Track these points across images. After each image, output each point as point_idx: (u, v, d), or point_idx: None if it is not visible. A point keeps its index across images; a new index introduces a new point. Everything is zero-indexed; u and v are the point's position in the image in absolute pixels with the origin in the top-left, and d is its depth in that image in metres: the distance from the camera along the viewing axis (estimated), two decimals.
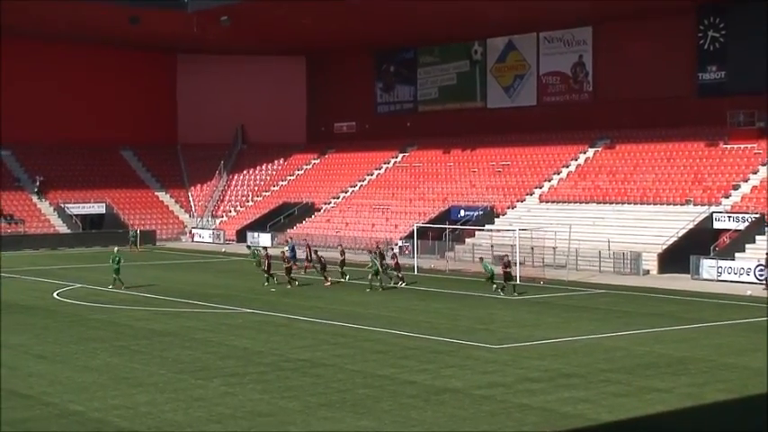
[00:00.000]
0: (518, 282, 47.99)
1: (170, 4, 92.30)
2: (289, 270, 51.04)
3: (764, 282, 48.18)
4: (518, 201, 70.64)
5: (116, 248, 56.00)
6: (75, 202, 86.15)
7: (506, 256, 48.94)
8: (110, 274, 50.96)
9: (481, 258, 52.56)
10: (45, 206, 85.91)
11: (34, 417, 23.69)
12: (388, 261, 51.94)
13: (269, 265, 51.19)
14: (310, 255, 56.59)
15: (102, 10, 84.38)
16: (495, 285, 46.46)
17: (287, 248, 56.36)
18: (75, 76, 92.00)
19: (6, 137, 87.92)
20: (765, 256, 49.52)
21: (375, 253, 52.37)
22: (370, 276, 49.62)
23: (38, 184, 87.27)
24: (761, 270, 49.01)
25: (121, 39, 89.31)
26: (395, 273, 50.84)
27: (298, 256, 56.22)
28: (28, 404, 25.02)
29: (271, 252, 56.15)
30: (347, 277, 52.99)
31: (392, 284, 50.00)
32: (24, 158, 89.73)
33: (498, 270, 46.93)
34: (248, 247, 67.19)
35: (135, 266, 60.83)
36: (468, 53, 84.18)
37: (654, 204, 62.68)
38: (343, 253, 55.56)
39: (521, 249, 54.57)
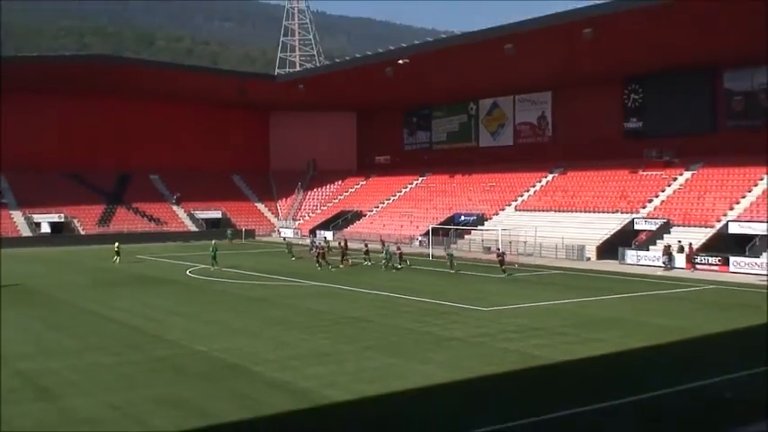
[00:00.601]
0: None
1: (265, 78, 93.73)
2: (323, 255, 50.98)
3: (663, 265, 48.50)
4: (500, 209, 70.42)
5: (213, 241, 56.41)
6: (200, 210, 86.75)
7: (500, 249, 48.85)
8: (220, 259, 51.23)
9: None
10: (181, 212, 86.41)
11: (173, 355, 23.98)
12: (394, 251, 51.54)
13: (323, 253, 51.23)
14: (346, 246, 55.68)
15: (221, 83, 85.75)
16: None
17: (317, 240, 56.68)
18: (203, 125, 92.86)
19: (156, 165, 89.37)
20: (662, 248, 49.89)
21: (386, 246, 53.06)
22: (383, 261, 49.89)
23: (176, 197, 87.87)
24: (663, 258, 49.28)
25: (234, 101, 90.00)
26: (398, 259, 50.48)
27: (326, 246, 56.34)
28: (168, 346, 25.35)
29: (329, 243, 56.54)
30: (369, 262, 52.40)
31: (399, 267, 49.57)
32: (167, 180, 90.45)
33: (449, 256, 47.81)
34: (285, 240, 65.46)
35: (236, 254, 61.03)
36: (467, 109, 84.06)
37: (593, 212, 62.44)
38: (366, 245, 55.46)
39: (502, 243, 54.56)
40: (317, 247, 54.18)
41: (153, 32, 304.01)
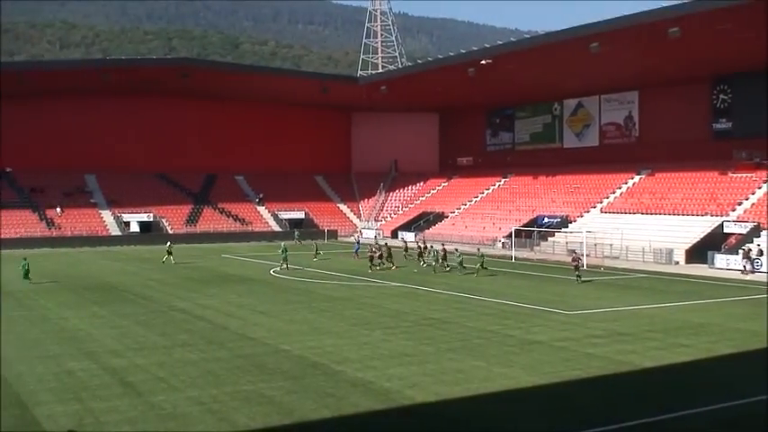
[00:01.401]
0: (585, 268, 47.21)
1: (347, 80, 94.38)
2: (372, 258, 50.60)
3: (742, 269, 47.56)
4: (585, 212, 69.39)
5: (283, 243, 57.01)
6: (284, 210, 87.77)
7: (575, 252, 47.75)
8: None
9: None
10: (264, 212, 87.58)
11: (256, 353, 24.26)
12: (437, 248, 51.13)
13: (372, 256, 51.03)
14: (425, 247, 55.11)
15: (304, 85, 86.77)
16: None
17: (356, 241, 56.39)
18: (287, 127, 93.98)
19: (241, 166, 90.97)
20: (742, 251, 48.52)
21: (436, 249, 52.14)
22: (434, 263, 49.34)
23: (259, 197, 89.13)
24: (745, 260, 47.96)
25: (316, 102, 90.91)
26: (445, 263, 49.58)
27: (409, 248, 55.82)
28: (253, 344, 25.67)
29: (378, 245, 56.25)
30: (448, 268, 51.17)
31: (447, 270, 48.72)
32: (251, 181, 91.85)
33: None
34: (358, 241, 64.58)
35: (311, 254, 61.33)
36: (551, 110, 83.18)
37: (682, 215, 60.99)
38: (444, 249, 53.94)
39: (587, 246, 53.76)
40: (370, 249, 53.57)
41: (238, 36, 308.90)
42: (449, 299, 36.49)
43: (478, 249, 50.56)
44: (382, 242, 62.85)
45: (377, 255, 51.19)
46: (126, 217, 79.92)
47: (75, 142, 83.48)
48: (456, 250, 50.29)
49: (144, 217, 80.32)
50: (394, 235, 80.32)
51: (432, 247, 53.99)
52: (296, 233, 77.49)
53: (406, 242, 58.03)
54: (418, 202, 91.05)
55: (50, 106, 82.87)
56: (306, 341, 26.01)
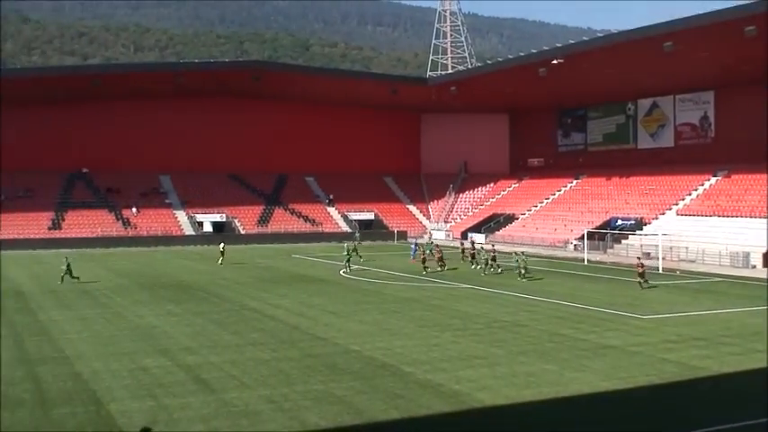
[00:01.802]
0: (660, 271, 46.37)
1: (417, 81, 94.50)
2: (425, 260, 50.09)
3: None
4: (660, 214, 68.17)
5: (345, 243, 57.22)
6: (353, 211, 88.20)
7: (640, 258, 46.19)
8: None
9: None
10: (334, 213, 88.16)
11: (327, 353, 24.42)
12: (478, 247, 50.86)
13: (436, 258, 50.88)
14: (472, 249, 54.43)
15: (374, 87, 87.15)
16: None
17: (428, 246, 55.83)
18: (356, 128, 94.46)
19: (311, 167, 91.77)
20: None
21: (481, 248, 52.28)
22: (483, 265, 48.92)
23: (329, 198, 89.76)
24: None
25: (386, 104, 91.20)
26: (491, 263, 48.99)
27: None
28: (323, 344, 25.82)
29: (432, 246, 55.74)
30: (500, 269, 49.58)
31: (499, 272, 48.11)
32: (322, 182, 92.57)
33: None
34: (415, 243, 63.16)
35: (390, 255, 61.44)
36: (624, 110, 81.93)
37: (759, 218, 59.46)
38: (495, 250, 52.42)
39: (662, 249, 52.81)
40: (422, 250, 53.10)
41: (308, 38, 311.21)
42: (519, 301, 36.19)
43: (521, 252, 49.77)
44: (423, 241, 62.18)
45: (437, 256, 51.13)
46: (199, 217, 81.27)
47: (149, 144, 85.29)
48: (522, 253, 48.94)
49: (217, 217, 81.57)
50: (464, 236, 79.99)
51: (482, 248, 53.44)
52: (356, 234, 77.68)
53: (462, 244, 57.62)
54: (488, 203, 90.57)
55: (126, 108, 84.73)
56: (375, 342, 26.08)
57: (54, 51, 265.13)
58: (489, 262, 48.71)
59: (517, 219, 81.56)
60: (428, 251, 52.16)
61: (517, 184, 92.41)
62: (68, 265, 43.99)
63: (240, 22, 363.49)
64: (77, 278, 43.84)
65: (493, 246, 55.98)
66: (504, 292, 39.53)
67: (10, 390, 19.98)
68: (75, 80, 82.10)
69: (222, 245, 57.87)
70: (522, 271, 45.04)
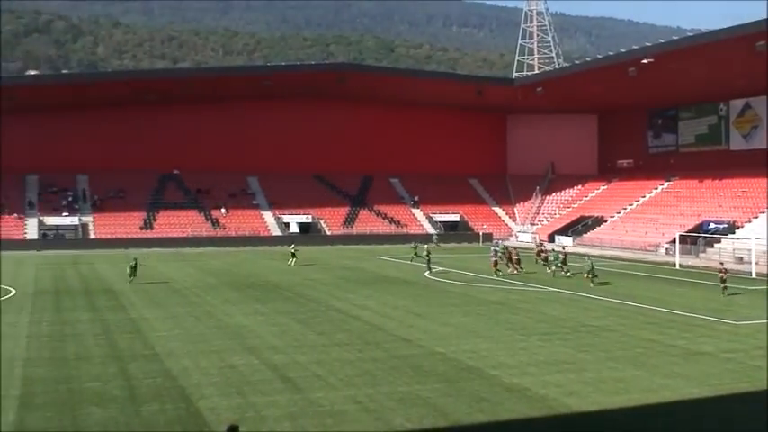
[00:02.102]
0: (753, 276, 45.01)
1: (503, 81, 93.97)
2: (497, 263, 49.28)
3: None
4: (754, 217, 66.20)
5: (426, 246, 57.10)
6: (438, 212, 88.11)
7: (723, 263, 43.80)
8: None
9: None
10: (419, 214, 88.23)
11: (412, 354, 24.43)
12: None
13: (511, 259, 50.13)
14: (545, 252, 53.39)
15: (459, 88, 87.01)
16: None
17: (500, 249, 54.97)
18: (441, 129, 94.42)
19: (396, 169, 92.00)
20: None
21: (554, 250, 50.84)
22: (554, 268, 48.10)
23: (414, 200, 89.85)
24: None
25: (471, 105, 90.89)
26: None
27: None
28: (408, 346, 25.87)
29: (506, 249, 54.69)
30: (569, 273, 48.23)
31: (568, 275, 46.99)
32: (406, 183, 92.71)
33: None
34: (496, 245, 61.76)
35: (477, 257, 61.11)
36: (716, 110, 79.80)
37: None
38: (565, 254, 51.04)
39: (755, 253, 51.26)
40: (494, 253, 52.23)
41: (393, 39, 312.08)
42: (608, 306, 35.56)
43: (588, 257, 48.53)
44: (497, 245, 61.14)
45: (514, 257, 50.57)
46: (286, 218, 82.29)
47: (238, 146, 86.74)
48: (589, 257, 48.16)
49: (303, 218, 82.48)
50: (551, 239, 79.06)
51: (553, 250, 52.48)
52: (434, 236, 77.39)
53: (536, 245, 56.86)
54: (576, 205, 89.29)
55: (215, 111, 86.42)
56: (461, 344, 25.98)
57: (144, 55, 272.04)
58: (559, 264, 48.06)
59: (605, 221, 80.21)
60: (500, 254, 51.50)
61: (606, 186, 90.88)
62: (134, 265, 44.37)
63: (326, 24, 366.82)
64: (133, 277, 43.80)
65: (563, 248, 55.17)
66: (593, 296, 38.90)
67: (102, 386, 20.55)
68: (167, 83, 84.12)
69: (293, 246, 58.08)
70: (591, 275, 43.44)
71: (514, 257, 50.49)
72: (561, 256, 48.78)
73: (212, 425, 17.28)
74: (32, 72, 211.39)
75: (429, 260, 51.23)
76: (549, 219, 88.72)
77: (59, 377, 21.46)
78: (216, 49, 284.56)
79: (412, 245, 59.61)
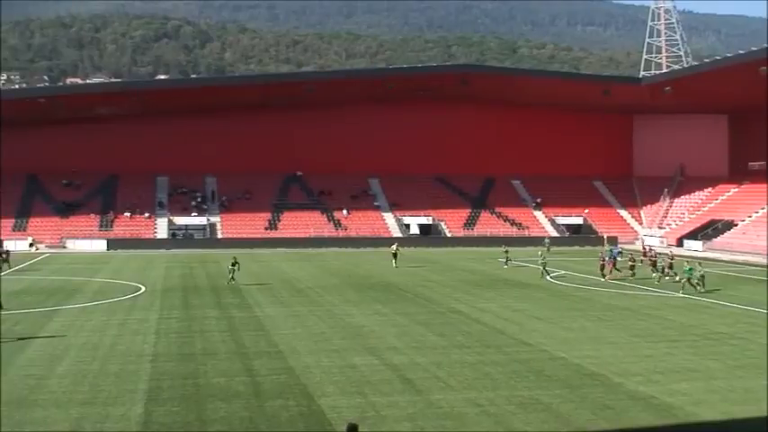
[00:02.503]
0: None
1: (629, 81, 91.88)
2: (602, 267, 47.60)
3: None
4: None
5: (540, 250, 55.87)
6: (561, 215, 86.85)
7: None
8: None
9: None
10: (541, 217, 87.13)
11: (533, 359, 24.22)
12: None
13: (603, 264, 48.14)
14: (654, 256, 51.11)
15: (585, 86, 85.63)
16: None
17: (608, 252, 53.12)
18: (565, 130, 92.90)
19: (518, 170, 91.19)
20: None
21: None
22: (659, 273, 46.44)
23: (536, 202, 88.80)
24: None
25: (596, 105, 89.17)
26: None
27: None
28: (529, 350, 25.68)
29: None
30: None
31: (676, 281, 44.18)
32: (528, 185, 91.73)
33: None
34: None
35: (574, 261, 59.91)
36: None
37: None
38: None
39: None
40: (601, 257, 50.50)
41: (516, 40, 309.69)
42: (737, 313, 34.27)
43: (699, 263, 46.16)
44: (613, 249, 59.19)
45: (629, 262, 48.94)
46: (406, 219, 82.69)
47: (360, 147, 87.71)
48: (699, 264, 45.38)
49: (423, 219, 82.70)
50: (679, 243, 76.75)
51: (659, 254, 50.49)
52: (546, 240, 75.93)
53: (645, 250, 54.84)
54: (705, 209, 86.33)
55: (338, 114, 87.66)
56: (584, 350, 25.54)
57: (270, 59, 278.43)
58: (666, 270, 46.39)
59: (737, 225, 77.26)
60: (608, 258, 50.06)
61: (737, 189, 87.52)
62: (234, 263, 43.74)
63: (448, 26, 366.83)
64: (234, 280, 43.36)
65: (670, 252, 53.31)
66: (721, 302, 37.55)
67: (227, 382, 21.14)
68: (291, 87, 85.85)
69: (395, 246, 57.52)
70: (697, 282, 41.35)
71: (629, 263, 49.01)
72: (669, 261, 47.32)
73: (333, 423, 17.54)
74: (162, 76, 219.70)
75: (545, 264, 50.10)
76: (677, 222, 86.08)
77: (186, 372, 22.21)
78: (339, 53, 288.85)
79: (503, 248, 58.37)
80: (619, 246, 67.78)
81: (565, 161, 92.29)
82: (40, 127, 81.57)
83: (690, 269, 41.34)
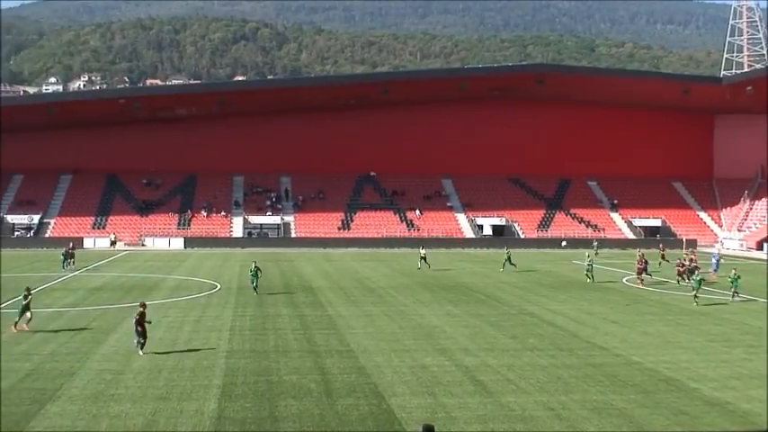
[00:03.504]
0: None
1: (709, 80, 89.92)
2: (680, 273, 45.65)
3: None
4: None
5: (587, 252, 54.29)
6: (638, 217, 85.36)
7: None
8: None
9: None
10: (617, 219, 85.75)
11: (607, 363, 23.94)
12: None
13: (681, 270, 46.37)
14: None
15: (664, 85, 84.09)
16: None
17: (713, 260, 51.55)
18: (642, 130, 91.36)
19: (594, 171, 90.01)
20: None
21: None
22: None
23: (613, 203, 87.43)
24: None
25: (675, 105, 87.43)
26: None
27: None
28: (603, 354, 25.37)
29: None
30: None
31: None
32: (605, 186, 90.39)
33: None
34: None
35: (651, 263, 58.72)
36: None
37: None
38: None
39: None
40: (680, 261, 48.66)
41: (593, 38, 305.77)
42: None
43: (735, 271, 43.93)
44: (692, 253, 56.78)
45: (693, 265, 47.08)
46: (479, 220, 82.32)
47: (433, 148, 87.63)
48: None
49: (497, 220, 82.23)
50: (759, 247, 74.81)
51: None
52: (594, 243, 74.38)
53: (690, 252, 52.73)
54: None
55: (411, 114, 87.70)
56: (659, 355, 25.08)
57: (345, 60, 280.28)
58: (687, 274, 44.31)
59: None
60: (714, 264, 48.59)
61: None
62: (255, 271, 39.81)
63: (524, 25, 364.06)
64: (257, 286, 39.51)
65: (692, 251, 51.77)
66: None
67: (299, 379, 21.33)
68: (365, 88, 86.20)
69: (422, 248, 55.45)
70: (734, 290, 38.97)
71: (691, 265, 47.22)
72: (689, 265, 45.69)
73: (403, 423, 17.56)
74: (239, 78, 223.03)
75: (590, 268, 48.32)
76: (757, 225, 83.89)
77: (259, 369, 22.49)
78: (414, 53, 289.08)
79: (505, 250, 55.86)
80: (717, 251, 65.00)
81: (643, 161, 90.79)
82: (121, 127, 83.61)
83: (737, 278, 38.70)
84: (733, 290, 38.74)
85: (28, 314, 28.26)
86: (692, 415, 18.37)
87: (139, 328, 24.47)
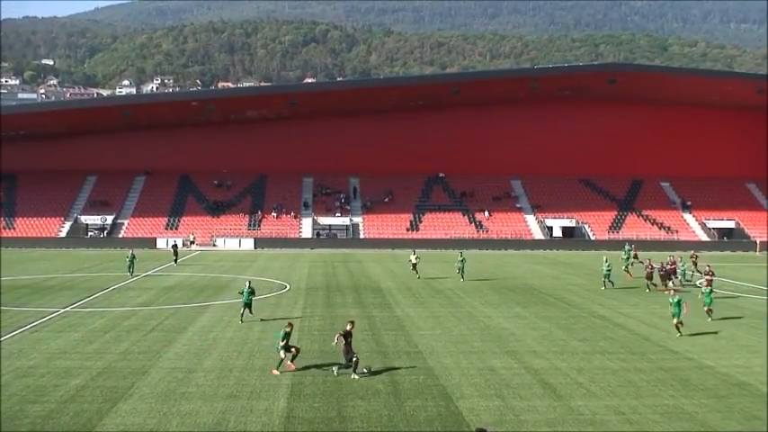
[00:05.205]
0: None
1: None
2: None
3: None
4: None
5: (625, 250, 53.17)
6: (712, 219, 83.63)
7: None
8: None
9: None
10: (691, 220, 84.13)
11: (679, 367, 23.54)
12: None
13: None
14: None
15: (738, 85, 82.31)
16: None
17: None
18: (716, 130, 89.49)
19: (667, 172, 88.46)
20: None
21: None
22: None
23: (686, 205, 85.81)
24: None
25: (750, 104, 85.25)
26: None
27: None
28: (675, 357, 25.11)
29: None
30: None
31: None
32: (678, 187, 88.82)
33: None
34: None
35: (726, 266, 57.47)
36: None
37: None
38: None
39: None
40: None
41: (666, 38, 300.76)
42: None
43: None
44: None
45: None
46: (549, 221, 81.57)
47: (502, 148, 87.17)
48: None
49: (567, 222, 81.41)
50: None
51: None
52: (626, 246, 72.65)
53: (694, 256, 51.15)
54: None
55: (480, 114, 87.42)
56: (732, 359, 24.52)
57: (414, 61, 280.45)
58: (667, 279, 42.83)
59: None
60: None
61: None
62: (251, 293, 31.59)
63: (595, 24, 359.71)
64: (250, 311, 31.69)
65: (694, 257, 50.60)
66: None
67: (367, 380, 21.39)
68: (435, 89, 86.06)
69: (414, 253, 50.48)
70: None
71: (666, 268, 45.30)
72: (667, 267, 43.98)
73: (471, 425, 17.49)
74: (309, 80, 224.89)
75: (608, 274, 46.24)
76: None
77: (328, 369, 22.58)
78: (483, 54, 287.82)
79: (459, 256, 49.67)
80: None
81: (716, 162, 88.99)
82: (194, 129, 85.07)
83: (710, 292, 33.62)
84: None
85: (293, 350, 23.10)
86: (766, 420, 17.93)
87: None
